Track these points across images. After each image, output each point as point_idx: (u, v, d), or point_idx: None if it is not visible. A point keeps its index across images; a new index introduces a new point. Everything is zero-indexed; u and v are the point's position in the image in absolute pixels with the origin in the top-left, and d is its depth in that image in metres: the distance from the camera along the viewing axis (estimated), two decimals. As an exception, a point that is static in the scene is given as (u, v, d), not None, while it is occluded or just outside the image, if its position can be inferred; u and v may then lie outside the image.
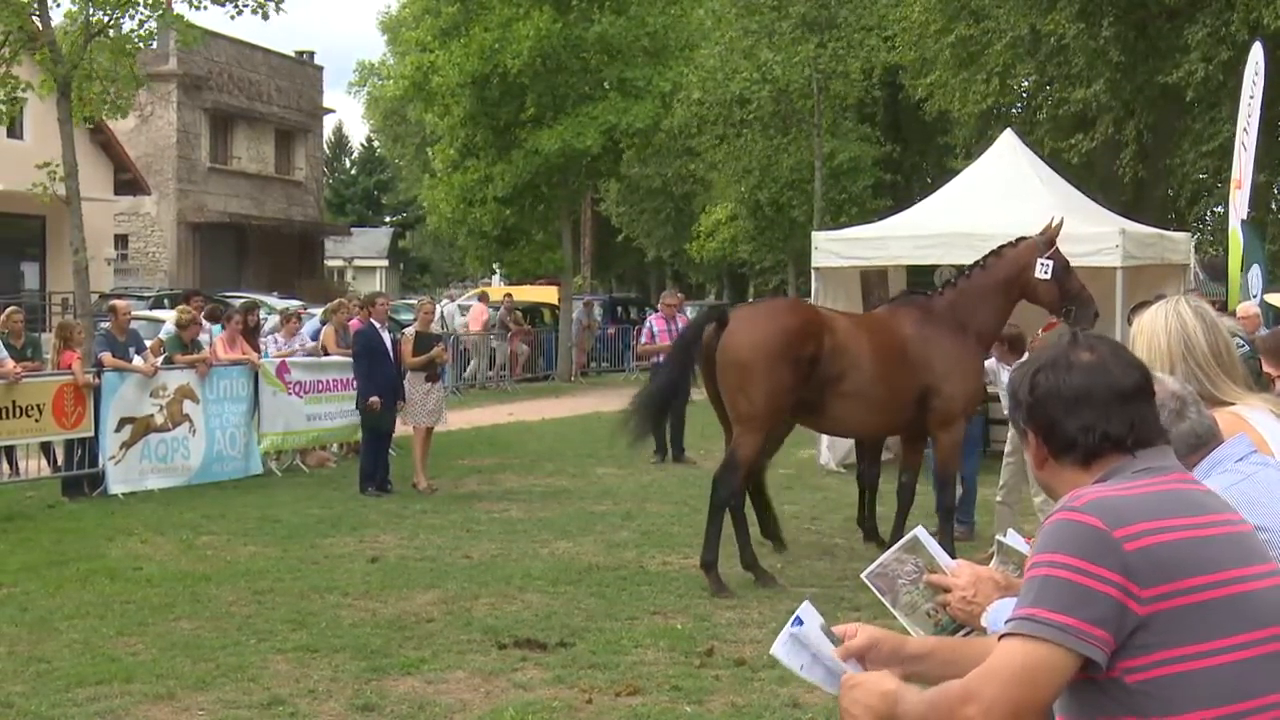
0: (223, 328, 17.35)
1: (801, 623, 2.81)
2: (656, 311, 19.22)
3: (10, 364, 14.05)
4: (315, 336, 18.32)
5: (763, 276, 51.92)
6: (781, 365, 10.48)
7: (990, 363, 11.86)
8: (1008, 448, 11.94)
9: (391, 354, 15.37)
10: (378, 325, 15.53)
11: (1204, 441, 3.16)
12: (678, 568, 11.14)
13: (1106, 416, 2.62)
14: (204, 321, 17.58)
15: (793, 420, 11.42)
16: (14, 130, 31.46)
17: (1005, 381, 11.81)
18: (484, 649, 8.54)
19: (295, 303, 27.72)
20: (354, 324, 18.21)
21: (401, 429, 16.54)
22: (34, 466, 15.46)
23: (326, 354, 17.40)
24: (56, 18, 21.24)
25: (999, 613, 3.01)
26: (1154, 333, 3.56)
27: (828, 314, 11.48)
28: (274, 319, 19.50)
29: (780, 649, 2.80)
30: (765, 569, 10.78)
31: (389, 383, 15.32)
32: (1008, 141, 17.86)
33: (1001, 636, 2.51)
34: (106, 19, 20.85)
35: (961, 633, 3.23)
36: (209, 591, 10.14)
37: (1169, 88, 25.87)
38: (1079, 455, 2.65)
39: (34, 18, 20.36)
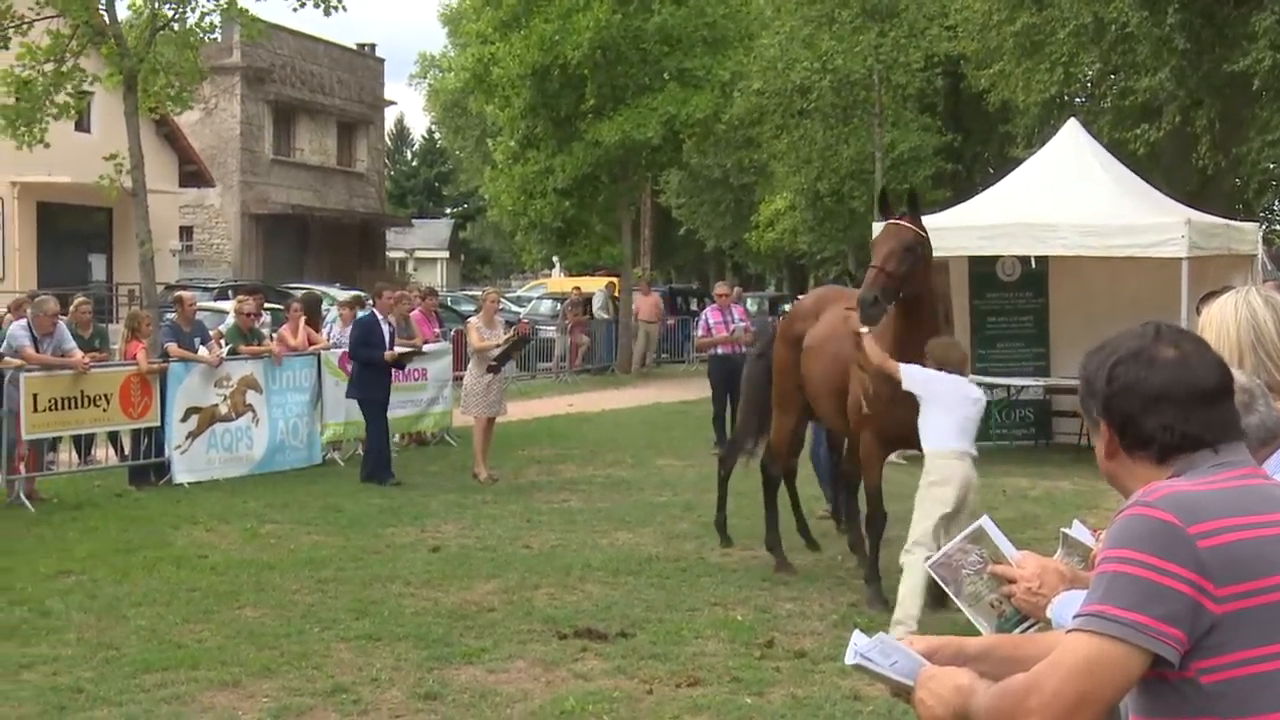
0: (285, 318, 17.54)
1: (858, 645, 2.79)
2: (713, 303, 19.21)
3: (78, 354, 14.22)
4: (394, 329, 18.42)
5: (823, 267, 51.71)
6: (781, 344, 10.82)
7: None
8: (937, 477, 8.99)
9: (388, 344, 15.46)
10: (379, 316, 15.62)
11: (1274, 435, 3.10)
12: (738, 559, 11.14)
13: (1186, 416, 2.54)
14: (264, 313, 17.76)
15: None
16: (81, 124, 31.82)
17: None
18: (544, 639, 8.57)
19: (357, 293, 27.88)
20: (416, 315, 18.34)
21: (461, 419, 16.61)
22: (101, 455, 15.65)
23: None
24: (122, 11, 21.49)
25: (1064, 605, 2.99)
26: (1223, 323, 3.51)
27: (833, 303, 10.89)
28: (334, 310, 19.64)
29: (855, 663, 2.78)
30: (785, 558, 10.81)
31: (384, 373, 15.48)
32: (1071, 131, 17.72)
33: (1069, 632, 2.49)
34: (171, 12, 21.07)
35: (1025, 624, 3.21)
36: (273, 580, 10.24)
37: (1236, 76, 25.53)
38: (1154, 451, 2.58)
39: (101, 11, 20.59)
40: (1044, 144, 19.47)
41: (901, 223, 9.56)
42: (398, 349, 15.78)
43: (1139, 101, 27.76)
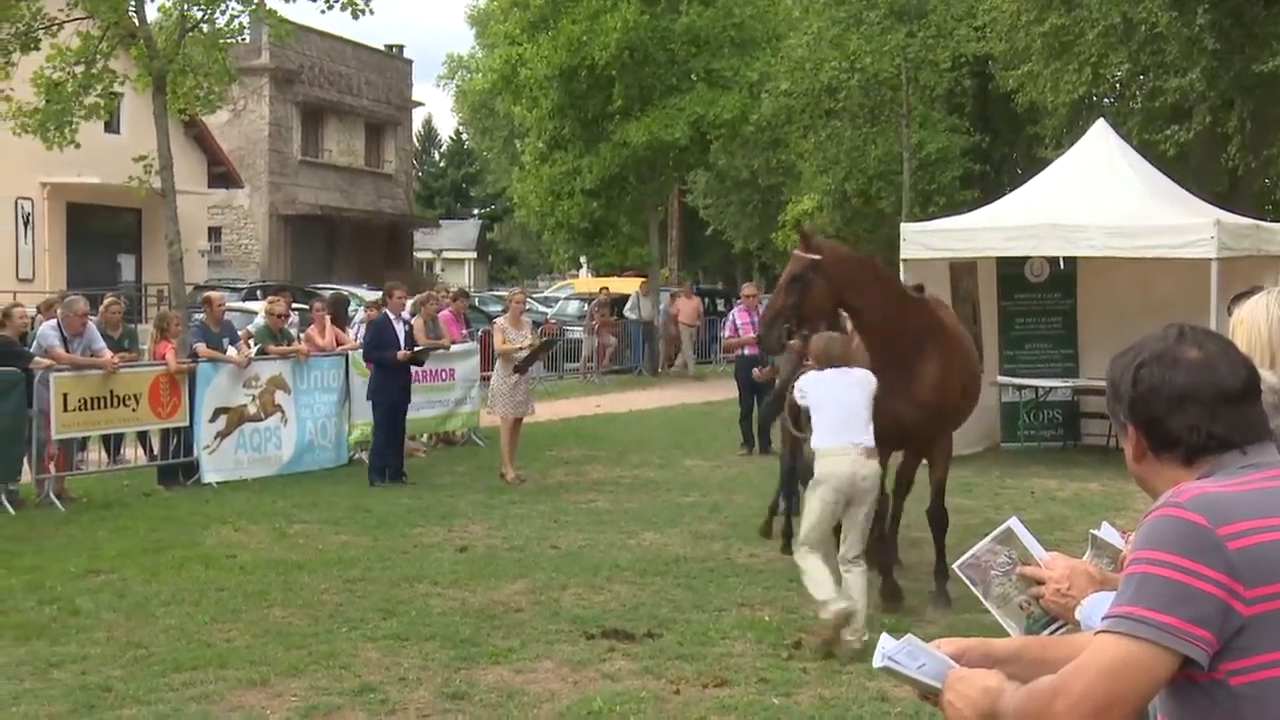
0: (311, 319, 17.61)
1: (885, 647, 2.78)
2: (741, 304, 19.20)
3: (108, 354, 14.29)
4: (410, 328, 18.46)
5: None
6: None
7: None
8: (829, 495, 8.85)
9: (404, 344, 15.47)
10: (391, 316, 15.64)
11: (1305, 435, 3.08)
12: (765, 560, 11.12)
13: (1212, 416, 2.54)
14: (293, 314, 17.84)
15: None
16: (111, 125, 31.99)
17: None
18: (572, 639, 8.58)
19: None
20: (444, 315, 18.37)
21: (489, 419, 16.62)
22: (130, 455, 15.73)
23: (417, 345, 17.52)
24: (152, 13, 21.61)
25: (1094, 607, 2.98)
26: (1254, 323, 3.49)
27: None
28: (361, 311, 19.71)
29: (883, 666, 2.77)
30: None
31: (400, 374, 15.46)
32: (1100, 132, 17.65)
33: (1097, 633, 2.48)
34: (200, 14, 21.17)
35: (1054, 626, 3.20)
36: (301, 580, 10.27)
37: (1266, 76, 25.41)
38: (1181, 452, 2.57)
39: (130, 13, 20.70)
40: (1072, 145, 19.38)
41: (796, 253, 9.66)
42: (416, 348, 15.79)
43: (1169, 102, 27.65)
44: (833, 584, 8.54)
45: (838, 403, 8.75)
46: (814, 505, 8.78)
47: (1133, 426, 2.63)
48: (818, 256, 9.48)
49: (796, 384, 9.05)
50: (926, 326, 9.93)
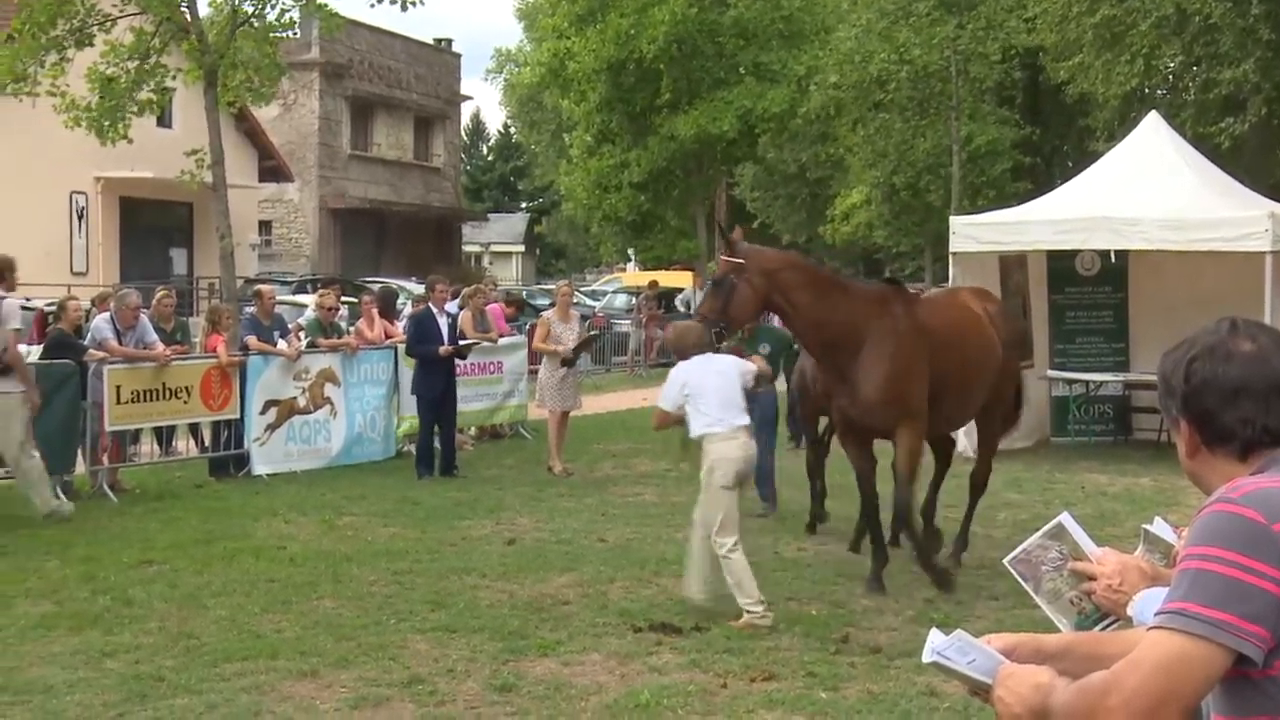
0: (361, 313, 17.69)
1: (935, 643, 2.77)
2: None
3: (160, 347, 14.41)
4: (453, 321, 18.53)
5: (899, 261, 51.48)
6: None
7: None
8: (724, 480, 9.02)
9: (446, 338, 15.49)
10: (435, 310, 15.66)
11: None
12: (812, 554, 11.10)
13: (1266, 409, 2.52)
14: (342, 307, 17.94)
15: None
16: (163, 119, 32.24)
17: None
18: (619, 632, 8.59)
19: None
20: (493, 308, 18.42)
21: (537, 413, 16.65)
22: (182, 447, 15.86)
23: (464, 338, 17.57)
24: (203, 8, 21.76)
25: (1145, 602, 2.96)
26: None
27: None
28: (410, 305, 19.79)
29: (932, 661, 2.76)
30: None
31: (443, 366, 15.45)
32: (1152, 124, 17.49)
33: (1150, 629, 2.46)
34: (251, 9, 21.30)
35: (1105, 622, 3.17)
36: (350, 571, 10.32)
37: (1322, 67, 25.16)
38: (1236, 447, 2.55)
39: (183, 9, 20.84)
40: (1124, 137, 19.22)
41: (722, 258, 9.77)
42: (460, 342, 15.82)
43: (1222, 94, 27.41)
44: (755, 585, 8.82)
45: (715, 389, 8.90)
46: (718, 493, 8.89)
47: (1185, 421, 2.61)
48: (741, 261, 9.53)
49: (673, 378, 9.09)
50: (874, 321, 9.76)
